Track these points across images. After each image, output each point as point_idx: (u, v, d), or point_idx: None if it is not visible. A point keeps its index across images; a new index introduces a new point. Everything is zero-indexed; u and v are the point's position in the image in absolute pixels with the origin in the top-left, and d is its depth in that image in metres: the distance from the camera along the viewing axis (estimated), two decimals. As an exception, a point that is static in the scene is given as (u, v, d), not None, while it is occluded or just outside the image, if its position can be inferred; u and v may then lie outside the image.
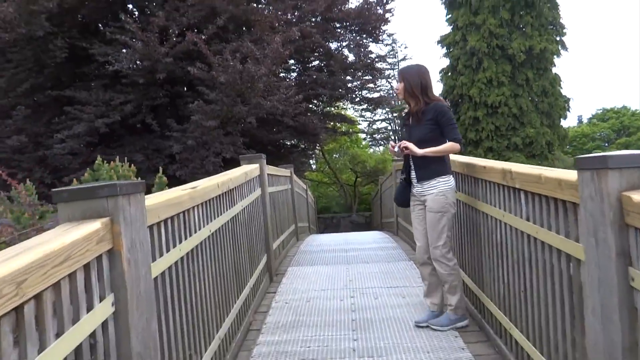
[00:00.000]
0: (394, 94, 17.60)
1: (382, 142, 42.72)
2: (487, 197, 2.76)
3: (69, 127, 10.25)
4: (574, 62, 77.05)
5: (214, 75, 9.25)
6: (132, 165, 6.48)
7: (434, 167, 3.06)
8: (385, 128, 45.56)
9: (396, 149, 3.18)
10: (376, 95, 15.82)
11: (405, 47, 36.80)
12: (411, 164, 3.19)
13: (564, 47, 23.94)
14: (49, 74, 11.14)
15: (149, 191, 1.92)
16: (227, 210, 3.11)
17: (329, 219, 17.74)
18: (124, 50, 10.10)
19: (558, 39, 24.17)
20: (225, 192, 3.12)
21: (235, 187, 3.45)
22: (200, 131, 10.04)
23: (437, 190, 3.05)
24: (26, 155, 10.88)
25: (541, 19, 23.64)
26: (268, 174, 5.18)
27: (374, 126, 37.45)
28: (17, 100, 10.86)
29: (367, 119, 34.27)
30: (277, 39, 9.47)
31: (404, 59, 29.73)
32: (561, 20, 24.70)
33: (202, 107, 9.62)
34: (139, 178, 6.56)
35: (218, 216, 2.81)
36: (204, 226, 2.51)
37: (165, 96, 10.85)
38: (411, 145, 3.06)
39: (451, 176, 3.12)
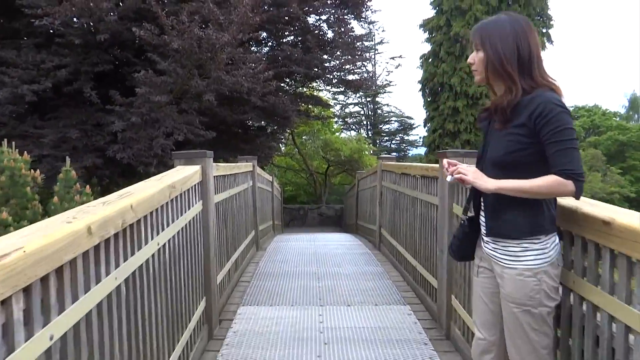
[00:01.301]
0: (375, 78, 16.17)
1: (354, 127, 41.48)
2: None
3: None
4: (554, 56, 77.31)
5: (166, 41, 7.59)
6: (26, 153, 4.84)
7: (521, 217, 1.67)
8: (358, 112, 44.32)
9: (448, 179, 1.79)
10: (355, 77, 14.31)
11: (383, 30, 35.25)
12: (481, 200, 1.82)
13: (550, 40, 23.03)
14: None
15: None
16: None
17: (295, 210, 16.31)
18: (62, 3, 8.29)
19: (544, 30, 23.19)
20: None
21: (149, 215, 2.02)
22: (148, 107, 8.39)
23: (524, 266, 1.67)
24: None
25: (529, 9, 22.59)
26: (217, 176, 3.72)
27: (347, 110, 36.09)
28: None
29: (340, 102, 32.83)
30: (245, 2, 7.86)
31: (380, 42, 28.28)
32: (549, 12, 23.73)
33: (150, 78, 7.97)
34: (36, 171, 4.99)
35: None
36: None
37: (108, 62, 9.10)
38: (473, 175, 1.69)
39: (554, 237, 1.71)
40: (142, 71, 7.89)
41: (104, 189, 11.19)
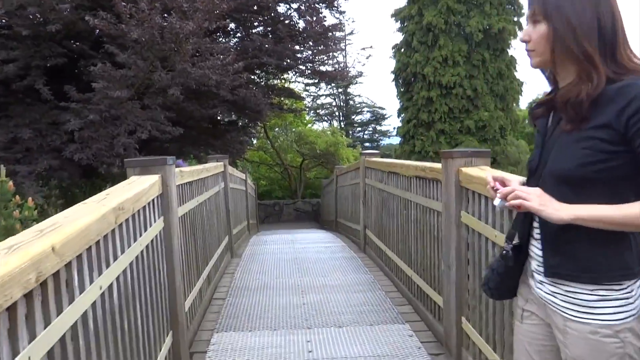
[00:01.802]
0: (347, 68, 15.58)
1: (326, 118, 41.02)
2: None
3: None
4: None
5: (124, 30, 6.92)
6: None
7: (600, 256, 1.20)
8: (330, 104, 43.81)
9: (497, 203, 1.31)
10: (328, 68, 13.79)
11: (353, 21, 34.72)
12: (535, 224, 1.34)
13: (521, 29, 23.03)
14: None
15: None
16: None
17: (270, 206, 15.75)
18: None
19: (515, 19, 23.16)
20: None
21: (85, 252, 1.49)
22: (108, 103, 7.70)
23: (600, 321, 1.19)
24: None
25: (502, -2, 22.61)
26: (182, 185, 3.18)
27: (318, 101, 35.57)
28: None
29: (312, 94, 32.29)
30: (211, -13, 7.24)
31: (351, 33, 27.77)
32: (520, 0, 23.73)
33: (109, 72, 7.29)
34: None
35: None
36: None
37: (62, 56, 8.34)
38: (538, 200, 1.20)
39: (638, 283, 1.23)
40: (98, 64, 7.19)
41: (64, 192, 10.44)
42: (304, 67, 12.65)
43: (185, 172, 3.34)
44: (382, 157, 6.14)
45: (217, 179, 5.29)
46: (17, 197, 3.92)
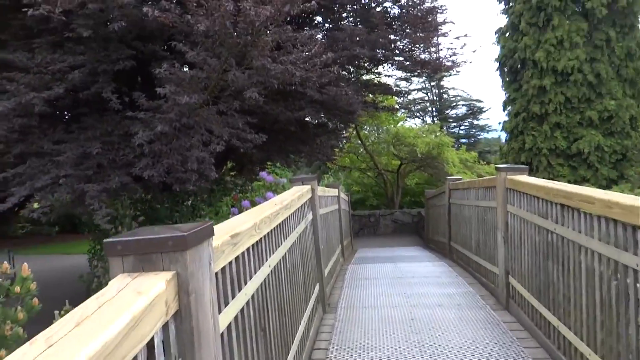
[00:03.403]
0: (446, 58, 13.48)
1: (418, 114, 38.75)
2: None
3: (-10, 104, 6.95)
4: None
5: (190, 22, 5.71)
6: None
7: None
8: (422, 99, 41.51)
9: None
10: (428, 57, 11.91)
11: (445, 9, 31.99)
12: None
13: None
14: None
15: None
16: None
17: (365, 218, 14.18)
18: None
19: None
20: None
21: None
22: (179, 110, 6.58)
23: None
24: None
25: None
26: (241, 256, 1.71)
27: (410, 97, 33.43)
28: None
29: (402, 89, 30.31)
30: (292, -38, 5.83)
31: (444, 22, 25.37)
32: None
33: (176, 74, 6.14)
34: None
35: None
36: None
37: (131, 58, 7.39)
38: None
39: None
40: (164, 65, 6.06)
41: (143, 208, 9.65)
42: (402, 57, 10.94)
43: (240, 234, 1.90)
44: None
45: (303, 211, 3.83)
46: (5, 264, 2.72)
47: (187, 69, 6.39)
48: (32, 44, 7.69)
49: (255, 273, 2.17)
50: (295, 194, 3.53)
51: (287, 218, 3.05)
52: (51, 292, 13.19)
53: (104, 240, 1.33)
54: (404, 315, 4.21)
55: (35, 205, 6.90)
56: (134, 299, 1.11)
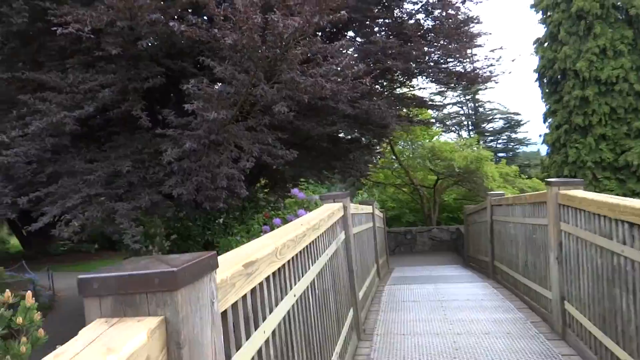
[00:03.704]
0: (482, 70, 12.90)
1: (453, 129, 37.96)
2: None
3: (23, 124, 6.98)
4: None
5: (216, 36, 5.56)
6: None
7: None
8: (457, 112, 40.64)
9: None
10: (462, 69, 11.50)
11: (479, 22, 31.45)
12: None
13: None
14: (8, 50, 7.97)
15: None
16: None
17: (401, 235, 13.73)
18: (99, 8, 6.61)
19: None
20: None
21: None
22: (207, 127, 6.43)
23: None
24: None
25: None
26: (260, 286, 1.40)
27: (445, 111, 32.74)
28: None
29: (436, 103, 29.83)
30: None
31: (478, 35, 24.82)
32: None
33: (204, 89, 5.99)
34: None
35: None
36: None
37: (161, 75, 7.33)
38: None
39: None
40: (191, 80, 5.93)
41: (176, 226, 9.55)
42: (436, 70, 10.59)
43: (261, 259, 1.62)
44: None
45: (334, 231, 3.53)
46: (7, 293, 2.52)
47: (217, 86, 6.25)
48: (66, 64, 7.74)
49: (276, 306, 1.88)
50: (325, 213, 3.24)
51: (315, 240, 2.76)
52: (81, 310, 13.27)
53: (78, 276, 1.08)
54: (446, 345, 3.82)
55: (62, 227, 6.82)
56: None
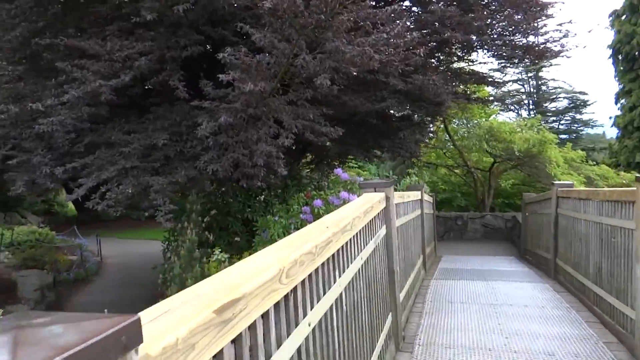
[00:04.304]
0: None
1: (513, 108, 36.01)
2: None
3: (61, 93, 6.78)
4: None
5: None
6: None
7: None
8: (518, 91, 38.48)
9: None
10: (526, 41, 10.41)
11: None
12: None
13: None
14: (52, 16, 7.76)
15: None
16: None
17: (451, 220, 12.96)
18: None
19: None
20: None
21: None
22: (245, 100, 5.97)
23: None
24: (22, 130, 7.67)
25: None
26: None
27: (504, 88, 30.98)
28: (7, 54, 7.68)
29: (496, 80, 28.24)
30: None
31: (550, 4, 22.97)
32: None
33: (241, 59, 5.50)
34: None
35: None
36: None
37: (200, 44, 6.90)
38: None
39: None
40: (227, 49, 5.46)
41: (214, 201, 9.28)
42: (499, 42, 9.63)
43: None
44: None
45: (372, 228, 2.99)
46: None
47: (254, 54, 5.74)
48: (106, 31, 7.46)
49: (278, 347, 1.38)
50: (362, 208, 2.70)
51: (345, 244, 2.23)
52: (129, 277, 13.33)
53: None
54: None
55: (97, 200, 6.62)
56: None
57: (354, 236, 2.42)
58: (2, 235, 14.04)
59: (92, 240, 16.61)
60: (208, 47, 7.31)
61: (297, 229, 7.22)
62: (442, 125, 14.11)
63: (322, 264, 1.85)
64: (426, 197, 7.85)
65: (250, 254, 7.37)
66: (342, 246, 2.17)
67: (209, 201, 9.41)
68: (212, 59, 7.60)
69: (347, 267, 2.28)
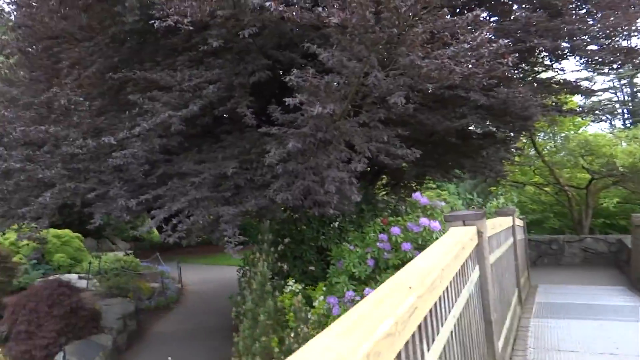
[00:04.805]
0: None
1: (604, 118, 33.38)
2: None
3: (132, 126, 6.81)
4: None
5: (320, 15, 4.69)
6: None
7: None
8: (610, 99, 35.71)
9: None
10: (627, 43, 9.32)
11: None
12: None
13: None
14: (126, 50, 7.94)
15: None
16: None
17: (545, 244, 11.78)
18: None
19: None
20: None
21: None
22: (313, 124, 5.63)
23: None
24: (101, 164, 7.84)
25: None
26: None
27: (594, 98, 28.72)
28: (86, 90, 7.92)
29: (588, 88, 26.17)
30: None
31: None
32: None
33: (308, 81, 5.17)
34: None
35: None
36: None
37: (267, 68, 6.69)
38: None
39: None
40: (294, 70, 5.15)
41: (288, 230, 9.00)
42: (596, 47, 8.66)
43: None
44: None
45: (464, 273, 2.44)
46: None
47: (322, 76, 5.39)
48: (177, 62, 7.49)
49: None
50: (451, 252, 2.17)
51: (433, 306, 1.72)
52: (207, 305, 13.32)
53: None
54: None
55: (168, 232, 6.50)
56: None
57: (444, 290, 1.90)
58: (90, 263, 14.66)
59: (173, 266, 17.00)
60: (276, 71, 7.10)
61: (374, 258, 6.71)
62: (525, 140, 13.05)
63: (406, 344, 1.36)
64: (518, 221, 7.04)
65: (324, 285, 6.86)
66: (430, 310, 1.66)
67: (282, 228, 9.15)
68: (280, 83, 7.39)
69: (437, 334, 1.77)
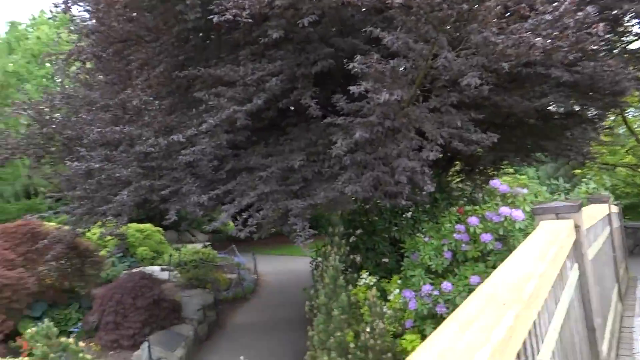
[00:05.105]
0: None
1: None
2: None
3: (200, 123, 6.86)
4: None
5: (383, -5, 4.40)
6: None
7: None
8: None
9: None
10: None
11: None
12: None
13: None
14: (190, 48, 8.03)
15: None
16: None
17: (641, 231, 10.74)
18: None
19: None
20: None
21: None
22: (380, 112, 5.35)
23: None
24: (173, 161, 8.01)
25: None
26: None
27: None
28: (156, 90, 8.10)
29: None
30: None
31: None
32: None
33: (373, 66, 4.89)
34: None
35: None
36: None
37: (329, 57, 6.47)
38: None
39: None
40: (357, 57, 4.89)
41: (363, 218, 8.80)
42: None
43: None
44: None
45: (563, 276, 2.11)
46: None
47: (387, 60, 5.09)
48: (239, 57, 7.46)
49: None
50: (547, 253, 1.85)
51: (533, 325, 1.43)
52: (282, 296, 13.42)
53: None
54: None
55: (240, 226, 6.49)
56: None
57: (542, 304, 1.61)
58: (171, 256, 15.25)
59: (248, 257, 17.34)
60: (339, 59, 6.88)
61: (451, 250, 6.33)
62: (614, 118, 11.94)
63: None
64: (613, 208, 6.39)
65: (399, 278, 6.55)
66: (530, 330, 1.38)
67: (353, 219, 8.96)
68: (344, 72, 7.15)
69: (537, 354, 1.48)
